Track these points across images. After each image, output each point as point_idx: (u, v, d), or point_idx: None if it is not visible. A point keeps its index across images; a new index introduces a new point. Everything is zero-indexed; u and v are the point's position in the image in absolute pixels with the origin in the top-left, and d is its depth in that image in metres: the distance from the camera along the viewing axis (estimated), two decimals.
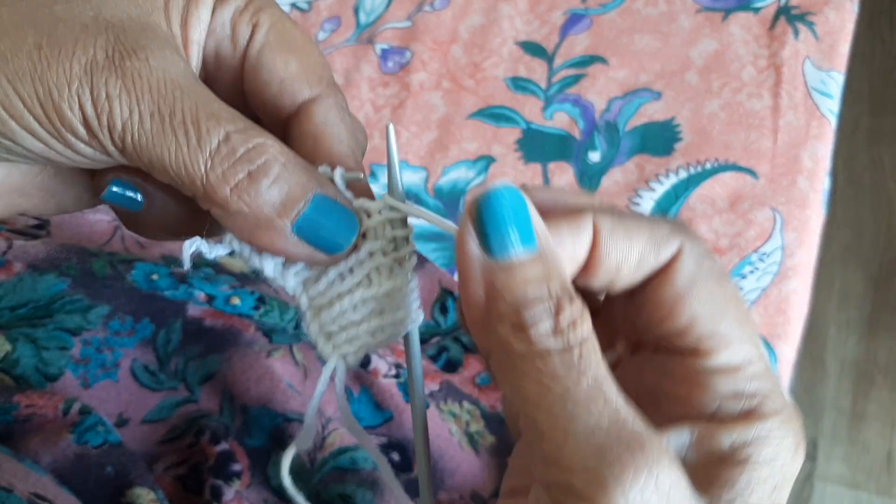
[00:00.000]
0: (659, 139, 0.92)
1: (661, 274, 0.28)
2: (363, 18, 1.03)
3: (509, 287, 0.25)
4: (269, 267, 0.30)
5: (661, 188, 0.89)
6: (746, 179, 0.89)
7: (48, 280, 0.67)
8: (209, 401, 0.70)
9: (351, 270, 0.30)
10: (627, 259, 0.28)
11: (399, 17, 1.02)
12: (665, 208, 0.88)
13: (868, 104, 1.78)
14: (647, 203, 0.88)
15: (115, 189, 0.30)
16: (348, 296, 0.30)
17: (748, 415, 0.27)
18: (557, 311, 0.25)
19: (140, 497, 0.59)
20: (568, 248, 0.27)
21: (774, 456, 0.27)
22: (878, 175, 1.72)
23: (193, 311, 0.72)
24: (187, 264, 0.30)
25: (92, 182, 0.34)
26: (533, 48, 0.99)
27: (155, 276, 0.70)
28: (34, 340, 0.66)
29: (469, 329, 0.27)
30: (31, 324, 0.66)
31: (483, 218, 0.25)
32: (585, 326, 0.25)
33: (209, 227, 0.32)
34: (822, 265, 1.64)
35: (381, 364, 0.72)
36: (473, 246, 0.26)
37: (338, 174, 0.30)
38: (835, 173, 1.70)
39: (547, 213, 0.27)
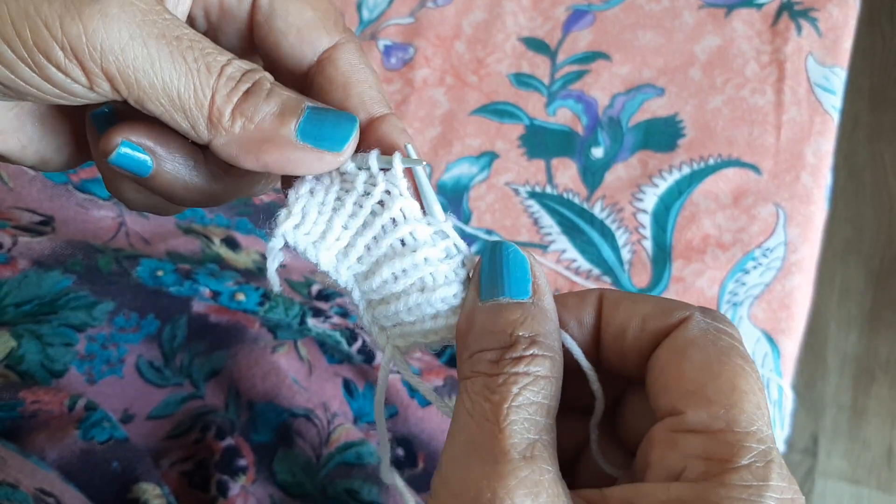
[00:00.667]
0: (662, 135, 0.92)
1: (666, 337, 0.28)
2: (366, 14, 1.03)
3: (483, 325, 0.28)
4: (325, 260, 0.31)
5: (665, 184, 0.89)
6: (750, 175, 0.89)
7: (53, 276, 0.67)
8: (215, 397, 0.69)
9: (405, 272, 0.30)
10: (632, 320, 0.29)
11: (402, 13, 1.02)
12: (668, 204, 0.88)
13: (869, 100, 1.78)
14: (650, 199, 0.88)
15: (123, 150, 0.29)
16: (404, 297, 0.30)
17: (705, 480, 0.25)
18: (507, 346, 0.27)
19: (146, 492, 0.59)
20: (573, 311, 0.30)
21: None
22: (879, 171, 1.72)
23: (199, 307, 0.71)
24: (276, 287, 0.31)
25: (78, 141, 0.33)
26: (536, 44, 0.99)
27: (160, 273, 0.70)
28: (39, 337, 0.66)
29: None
30: (37, 320, 0.66)
31: (488, 264, 0.29)
32: (528, 367, 0.27)
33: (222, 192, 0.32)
34: (822, 261, 1.64)
35: None
36: (473, 290, 0.29)
37: (396, 160, 0.30)
38: (836, 169, 1.71)
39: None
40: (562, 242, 0.87)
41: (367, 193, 0.30)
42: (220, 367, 0.70)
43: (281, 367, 0.69)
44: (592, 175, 0.90)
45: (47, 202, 0.74)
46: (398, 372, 0.73)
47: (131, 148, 0.30)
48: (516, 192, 0.90)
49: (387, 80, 0.97)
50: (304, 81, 0.33)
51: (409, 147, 0.31)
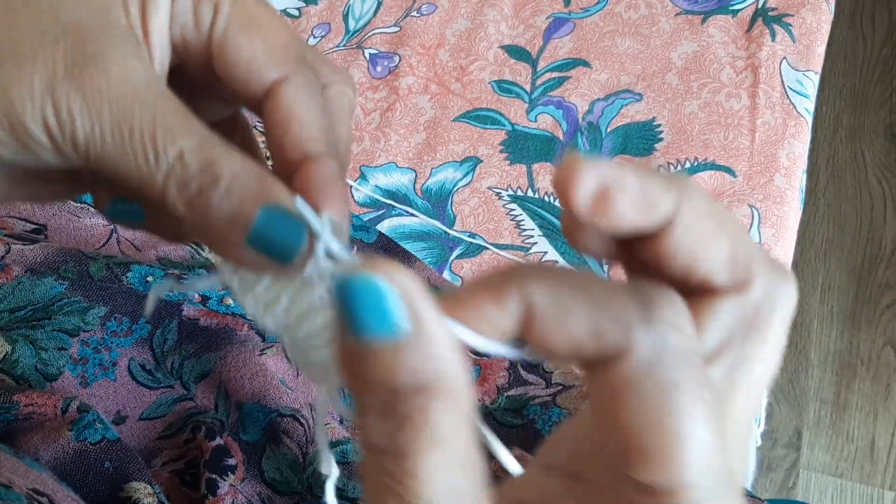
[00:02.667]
0: (640, 139, 0.95)
1: (602, 366, 0.23)
2: (352, 24, 1.05)
3: (357, 377, 0.22)
4: (248, 306, 0.29)
5: None
6: (725, 178, 0.91)
7: (46, 283, 0.69)
8: (205, 398, 0.71)
9: (325, 328, 0.28)
10: (563, 345, 0.23)
11: (387, 22, 1.04)
12: None
13: (850, 101, 1.81)
14: None
15: (117, 206, 0.31)
16: (306, 321, 0.28)
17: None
18: (391, 404, 0.21)
19: (137, 491, 0.60)
20: (485, 319, 0.23)
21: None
22: (860, 171, 1.75)
23: (189, 311, 0.74)
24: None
25: (65, 180, 0.33)
26: (517, 52, 1.02)
27: (150, 278, 0.72)
28: (33, 341, 0.67)
29: None
30: (31, 325, 0.68)
31: (341, 300, 0.22)
32: (430, 427, 0.21)
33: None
34: (805, 260, 1.67)
35: None
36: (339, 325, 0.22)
37: (325, 219, 0.28)
38: (817, 170, 1.74)
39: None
40: (543, 245, 0.89)
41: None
42: (209, 368, 0.72)
43: (268, 368, 0.71)
44: None
45: (40, 210, 0.76)
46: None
47: (123, 203, 0.31)
48: (499, 195, 0.92)
49: (372, 88, 1.00)
50: (260, 113, 0.32)
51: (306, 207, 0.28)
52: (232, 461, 0.67)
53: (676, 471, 0.22)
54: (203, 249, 0.79)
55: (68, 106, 0.27)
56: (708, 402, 0.22)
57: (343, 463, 0.67)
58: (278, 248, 0.27)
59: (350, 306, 0.21)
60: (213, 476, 0.65)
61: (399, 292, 0.21)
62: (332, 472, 0.28)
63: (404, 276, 0.22)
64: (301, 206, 0.28)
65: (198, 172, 0.27)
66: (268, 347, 0.73)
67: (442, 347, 0.21)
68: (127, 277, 0.72)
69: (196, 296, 0.72)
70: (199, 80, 0.33)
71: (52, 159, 0.28)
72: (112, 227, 0.78)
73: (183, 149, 0.27)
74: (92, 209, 0.78)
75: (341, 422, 0.73)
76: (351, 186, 0.93)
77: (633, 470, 0.22)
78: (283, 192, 0.28)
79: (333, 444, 0.68)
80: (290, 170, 0.30)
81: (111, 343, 0.71)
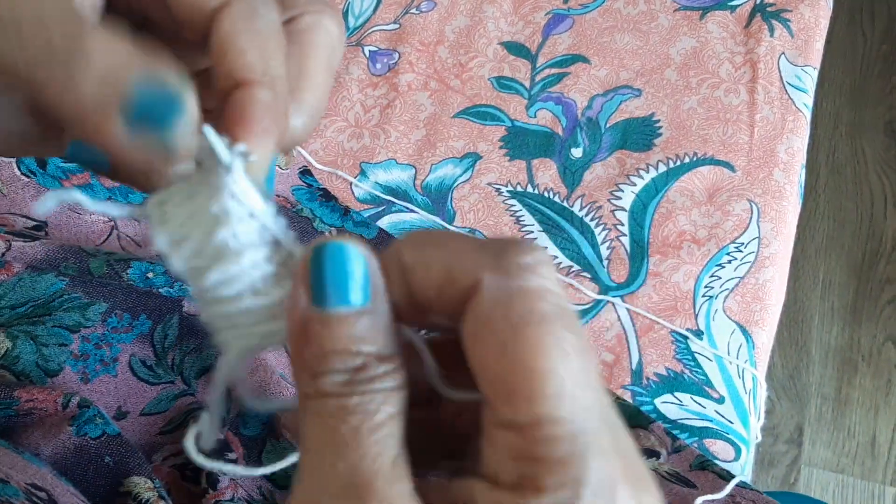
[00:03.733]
0: (639, 135, 0.95)
1: (462, 308, 0.24)
2: (352, 22, 1.05)
3: (319, 338, 0.24)
4: (161, 243, 0.27)
5: (642, 182, 0.91)
6: (724, 172, 0.92)
7: (47, 279, 0.70)
8: (205, 393, 0.72)
9: (233, 277, 0.26)
10: (429, 292, 0.25)
11: (386, 19, 1.04)
12: (645, 202, 0.90)
13: (850, 97, 1.81)
14: (627, 196, 0.91)
15: (74, 149, 0.27)
16: (235, 302, 0.27)
17: (519, 488, 0.22)
18: (357, 368, 0.24)
19: (138, 486, 0.61)
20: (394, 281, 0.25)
21: None
22: (860, 167, 1.75)
23: (189, 306, 0.74)
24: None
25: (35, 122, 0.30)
26: (517, 48, 1.02)
27: (150, 274, 0.73)
28: (34, 338, 0.68)
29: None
30: (31, 322, 0.68)
31: (316, 267, 0.24)
32: (382, 385, 0.24)
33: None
34: (805, 255, 1.68)
35: None
36: (301, 291, 0.24)
37: (235, 151, 0.26)
38: (817, 166, 1.74)
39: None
40: (542, 240, 0.89)
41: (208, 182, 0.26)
42: (210, 364, 0.73)
43: (268, 363, 0.72)
44: (572, 174, 0.93)
45: None
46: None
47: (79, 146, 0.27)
48: (498, 191, 0.92)
49: (372, 85, 1.00)
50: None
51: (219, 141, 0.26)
52: (232, 455, 0.67)
53: (538, 405, 0.22)
54: None
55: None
56: (568, 339, 0.22)
57: None
58: (153, 118, 0.25)
59: (336, 274, 0.23)
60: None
61: (368, 266, 0.24)
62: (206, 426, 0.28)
63: (369, 252, 0.24)
64: (209, 133, 0.26)
65: (64, 54, 0.25)
66: None
67: (389, 315, 0.24)
68: (127, 274, 0.72)
69: None
70: (166, 27, 0.31)
71: None
72: (112, 223, 0.79)
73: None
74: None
75: None
76: (351, 183, 0.93)
77: (496, 411, 0.22)
78: (158, 67, 0.25)
79: None
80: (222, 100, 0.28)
81: (112, 339, 0.71)
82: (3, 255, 0.70)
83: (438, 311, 0.25)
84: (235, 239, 0.26)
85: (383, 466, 0.23)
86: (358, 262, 0.24)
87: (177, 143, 0.25)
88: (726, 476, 0.75)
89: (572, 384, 0.22)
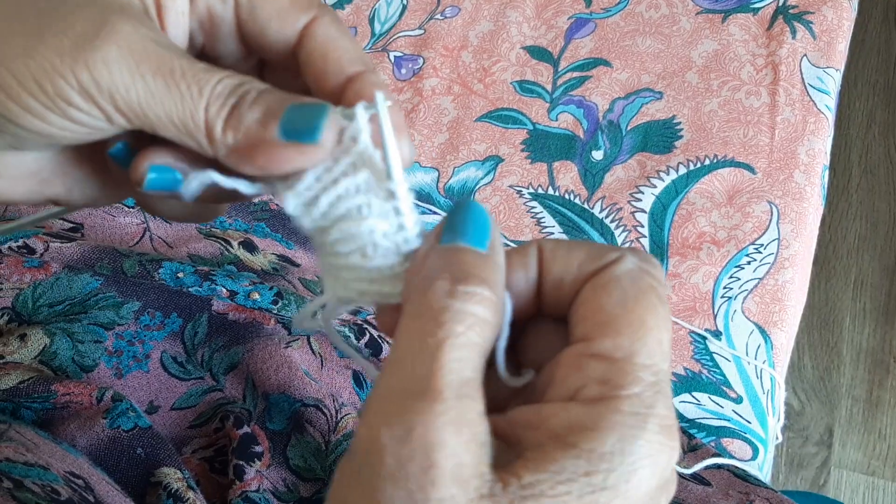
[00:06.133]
0: (660, 137, 0.96)
1: (595, 274, 0.30)
2: (378, 28, 1.08)
3: (438, 261, 0.29)
4: (290, 204, 0.32)
5: (662, 184, 0.92)
6: (744, 174, 0.92)
7: (83, 279, 0.72)
8: (233, 389, 0.74)
9: (352, 236, 0.31)
10: (568, 268, 0.30)
11: (412, 25, 1.07)
12: (665, 203, 0.91)
13: (883, 97, 1.79)
14: (647, 198, 0.92)
15: (152, 176, 0.33)
16: (344, 258, 0.31)
17: (600, 401, 0.27)
18: (461, 279, 0.28)
19: (168, 476, 0.63)
20: (517, 265, 0.31)
21: (610, 454, 0.26)
22: (894, 167, 1.73)
23: (218, 305, 0.76)
24: (189, 193, 0.32)
25: (115, 177, 0.36)
26: (539, 52, 1.03)
27: (181, 274, 0.75)
28: (71, 334, 0.71)
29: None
30: (68, 319, 0.71)
31: (452, 214, 0.30)
32: (476, 308, 0.27)
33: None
34: (837, 257, 1.66)
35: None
36: (433, 238, 0.30)
37: (360, 108, 0.31)
38: (850, 166, 1.73)
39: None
40: None
41: (346, 150, 0.31)
42: (237, 361, 0.75)
43: (294, 360, 0.74)
44: (593, 177, 0.94)
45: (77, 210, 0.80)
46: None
47: (158, 171, 0.33)
48: (520, 194, 0.94)
49: (397, 90, 1.02)
50: (294, 63, 0.35)
51: (380, 95, 0.31)
52: (259, 448, 0.69)
53: (634, 347, 0.27)
54: (231, 246, 0.82)
55: (104, 57, 0.29)
56: (667, 317, 0.29)
57: None
58: (305, 128, 0.30)
59: (464, 221, 0.30)
60: (241, 462, 0.67)
61: (490, 223, 0.30)
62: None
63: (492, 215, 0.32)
64: (334, 113, 0.31)
65: (230, 94, 0.31)
66: (293, 340, 0.76)
67: (502, 270, 0.30)
68: (158, 274, 0.75)
69: (224, 291, 0.75)
70: (226, 52, 0.35)
71: (85, 119, 0.31)
72: (145, 225, 0.82)
73: (220, 79, 0.31)
74: (126, 208, 0.82)
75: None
76: None
77: (601, 340, 0.28)
78: (300, 96, 0.31)
79: (353, 434, 0.70)
80: (336, 95, 0.33)
81: (144, 336, 0.74)
82: (42, 255, 0.73)
83: (565, 289, 0.30)
84: (368, 206, 0.31)
85: (456, 381, 0.26)
86: (484, 217, 0.30)
87: (324, 143, 0.31)
88: (742, 475, 0.76)
89: (662, 346, 0.28)
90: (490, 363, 0.30)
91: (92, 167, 0.36)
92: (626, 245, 0.90)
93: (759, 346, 0.85)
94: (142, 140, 0.34)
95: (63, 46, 0.29)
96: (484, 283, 0.28)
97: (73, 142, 0.32)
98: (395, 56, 1.04)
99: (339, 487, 0.28)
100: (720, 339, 0.85)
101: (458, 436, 0.26)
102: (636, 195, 0.92)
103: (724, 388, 0.83)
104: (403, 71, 1.03)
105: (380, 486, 0.26)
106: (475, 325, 0.27)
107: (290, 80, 0.35)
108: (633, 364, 0.27)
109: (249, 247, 0.83)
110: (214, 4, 0.34)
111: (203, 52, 0.36)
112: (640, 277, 0.29)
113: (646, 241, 0.90)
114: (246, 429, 0.70)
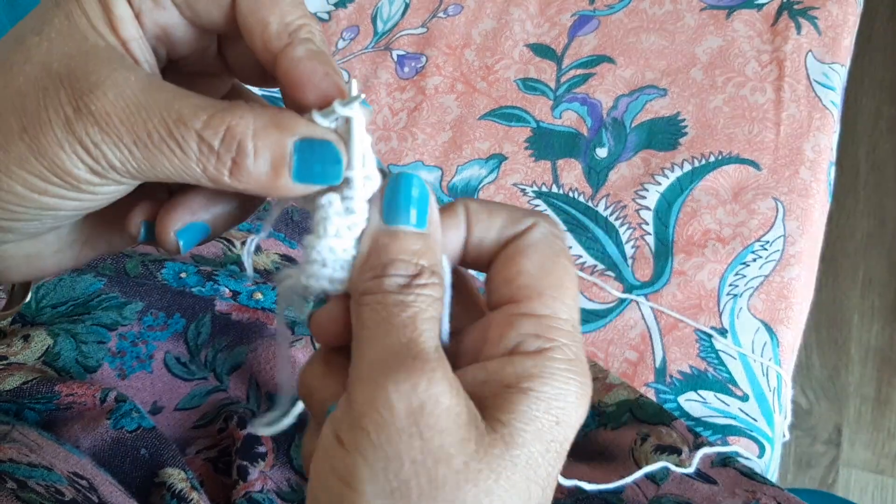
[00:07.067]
0: (664, 134, 0.95)
1: (512, 240, 0.34)
2: (380, 27, 1.07)
3: (387, 249, 0.32)
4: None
5: (667, 181, 0.92)
6: (749, 171, 0.92)
7: (86, 280, 0.73)
8: (237, 389, 0.74)
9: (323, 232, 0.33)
10: (489, 231, 0.34)
11: (414, 24, 1.06)
12: (670, 201, 0.91)
13: (890, 93, 1.78)
14: (652, 196, 0.91)
15: (184, 241, 0.34)
16: (315, 254, 0.33)
17: (539, 353, 0.31)
18: (414, 275, 0.31)
19: (172, 476, 0.63)
20: (450, 226, 0.34)
21: (556, 396, 0.30)
22: None
23: (221, 306, 0.76)
24: (250, 269, 0.34)
25: (129, 227, 0.36)
26: (542, 50, 1.03)
27: (183, 275, 0.75)
28: (74, 335, 0.71)
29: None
30: (71, 320, 0.71)
31: (392, 191, 0.32)
32: (430, 292, 0.31)
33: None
34: (845, 254, 1.66)
35: None
36: (376, 212, 0.33)
37: (314, 115, 0.32)
38: (857, 163, 1.72)
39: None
40: (568, 240, 0.90)
41: None
42: (241, 361, 0.75)
43: (297, 360, 0.74)
44: (597, 174, 0.94)
45: None
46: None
47: (186, 234, 0.34)
48: (523, 192, 0.94)
49: (400, 88, 1.02)
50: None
51: (354, 84, 0.32)
52: (262, 449, 0.69)
53: (556, 305, 0.32)
54: (234, 246, 0.82)
55: (91, 139, 0.30)
56: (575, 275, 0.33)
57: None
58: (322, 174, 0.32)
59: (406, 200, 0.32)
60: (244, 463, 0.67)
61: (429, 199, 0.33)
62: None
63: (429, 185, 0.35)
64: (317, 117, 0.32)
65: (223, 147, 0.30)
66: (297, 340, 0.76)
67: (440, 244, 0.33)
68: (161, 274, 0.75)
69: (227, 291, 0.75)
70: (196, 65, 0.36)
71: (103, 191, 0.32)
72: None
73: (200, 132, 0.30)
74: None
75: None
76: None
77: (528, 301, 0.32)
78: (299, 121, 0.32)
79: None
80: (275, 60, 0.33)
81: (147, 337, 0.74)
82: None
83: (484, 249, 0.34)
84: (330, 225, 0.33)
85: (433, 346, 0.30)
86: (424, 194, 0.32)
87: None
88: (748, 473, 0.76)
89: (575, 301, 0.33)
90: None
91: (112, 227, 0.38)
92: (631, 243, 0.89)
93: (765, 344, 0.84)
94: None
95: (59, 136, 0.30)
96: (432, 271, 0.32)
97: (90, 210, 0.34)
98: (397, 55, 1.04)
99: (330, 459, 0.29)
100: (726, 337, 0.84)
101: (451, 388, 0.29)
102: (641, 193, 0.92)
103: (730, 386, 0.82)
104: (406, 69, 1.03)
105: (392, 441, 0.28)
106: (432, 304, 0.31)
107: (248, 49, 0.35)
108: (559, 319, 0.32)
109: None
110: (159, 14, 0.33)
111: (169, 58, 0.36)
112: (553, 242, 0.33)
113: (651, 239, 0.89)
114: (249, 429, 0.70)
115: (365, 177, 0.33)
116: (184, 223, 0.34)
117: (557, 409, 0.30)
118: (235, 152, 0.31)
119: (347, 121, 0.32)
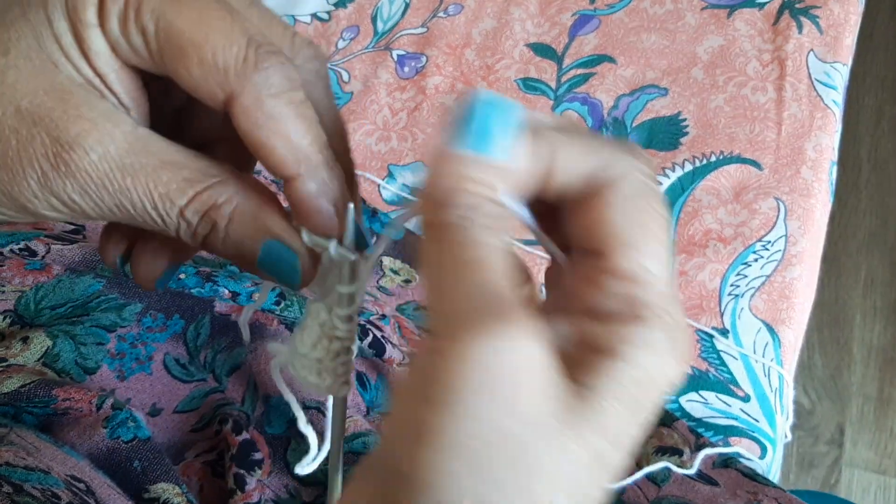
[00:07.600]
0: (665, 134, 0.95)
1: (600, 187, 0.29)
2: (380, 26, 1.07)
3: (454, 175, 0.27)
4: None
5: (668, 181, 0.92)
6: (751, 171, 0.91)
7: (85, 281, 0.72)
8: (235, 390, 0.74)
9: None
10: (577, 173, 0.29)
11: (414, 24, 1.06)
12: (672, 200, 0.91)
13: (892, 92, 1.77)
14: None
15: (161, 283, 0.36)
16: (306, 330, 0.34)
17: (634, 319, 0.27)
18: (478, 206, 0.27)
19: (167, 491, 0.62)
20: (533, 160, 0.28)
21: (650, 364, 0.27)
22: None
23: (220, 307, 0.76)
24: (246, 337, 0.35)
25: (105, 258, 0.37)
26: (543, 49, 1.03)
27: (182, 276, 0.75)
28: (73, 337, 0.71)
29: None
30: (70, 321, 0.71)
31: (472, 115, 0.27)
32: (497, 224, 0.27)
33: None
34: (847, 253, 1.65)
35: (395, 353, 0.76)
36: (446, 135, 0.27)
37: (304, 237, 0.32)
38: (859, 162, 1.71)
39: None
40: None
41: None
42: (240, 362, 0.75)
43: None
44: None
45: None
46: None
47: (164, 278, 0.35)
48: None
49: (400, 88, 1.02)
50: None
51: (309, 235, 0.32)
52: (258, 455, 0.69)
53: (647, 261, 0.28)
54: None
55: (69, 197, 0.29)
56: (668, 226, 0.29)
57: (365, 453, 0.68)
58: (281, 274, 0.32)
59: (475, 122, 0.27)
60: (241, 471, 0.67)
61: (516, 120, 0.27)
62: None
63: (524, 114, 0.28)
64: (305, 236, 0.32)
65: (200, 225, 0.31)
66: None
67: (517, 174, 0.28)
68: None
69: (226, 292, 0.75)
70: (173, 96, 0.34)
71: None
72: None
73: (182, 208, 0.30)
74: None
75: (367, 413, 0.75)
76: (379, 185, 0.95)
77: (614, 256, 0.28)
78: (278, 223, 0.31)
79: (356, 436, 0.70)
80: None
81: (147, 338, 0.74)
82: (44, 257, 0.73)
83: (566, 189, 0.29)
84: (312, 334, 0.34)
85: (513, 292, 0.26)
86: (507, 119, 0.27)
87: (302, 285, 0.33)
88: (750, 474, 0.75)
89: (670, 257, 0.29)
90: None
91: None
92: None
93: (766, 344, 0.84)
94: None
95: (35, 190, 0.29)
96: (496, 204, 0.27)
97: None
98: (397, 54, 1.04)
99: (412, 412, 0.26)
100: (727, 337, 0.84)
101: (540, 340, 0.26)
102: None
103: (732, 387, 0.82)
104: (406, 69, 1.03)
105: (466, 401, 0.25)
106: (497, 241, 0.27)
107: None
108: (651, 276, 0.28)
109: None
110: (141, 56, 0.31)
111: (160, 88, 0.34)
112: (645, 190, 0.29)
113: None
114: (245, 435, 0.69)
115: (349, 297, 0.33)
116: (162, 269, 0.35)
117: (648, 377, 0.27)
118: (210, 230, 0.31)
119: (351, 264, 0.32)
